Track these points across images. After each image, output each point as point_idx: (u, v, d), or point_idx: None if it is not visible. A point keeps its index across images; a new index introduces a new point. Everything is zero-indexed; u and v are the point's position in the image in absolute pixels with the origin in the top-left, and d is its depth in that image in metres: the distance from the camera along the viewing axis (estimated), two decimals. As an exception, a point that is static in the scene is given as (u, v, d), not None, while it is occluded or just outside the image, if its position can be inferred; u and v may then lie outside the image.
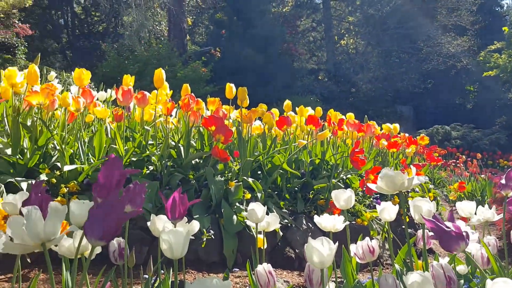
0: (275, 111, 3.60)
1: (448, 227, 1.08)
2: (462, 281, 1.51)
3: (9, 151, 2.24)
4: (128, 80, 2.93)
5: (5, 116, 2.57)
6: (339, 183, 2.93)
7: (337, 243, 1.10)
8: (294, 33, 19.10)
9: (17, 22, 9.39)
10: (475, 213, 1.71)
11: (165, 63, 12.15)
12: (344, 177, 3.12)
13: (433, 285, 1.00)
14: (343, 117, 4.08)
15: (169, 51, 13.56)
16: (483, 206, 1.69)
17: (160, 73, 2.75)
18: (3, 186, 1.98)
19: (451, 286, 1.08)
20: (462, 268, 1.61)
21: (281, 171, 2.80)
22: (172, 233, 1.08)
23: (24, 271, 1.82)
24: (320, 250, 1.07)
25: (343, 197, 1.57)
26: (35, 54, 3.26)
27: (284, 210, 2.60)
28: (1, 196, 1.89)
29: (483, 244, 1.53)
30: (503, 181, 1.55)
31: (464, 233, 1.08)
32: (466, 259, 1.65)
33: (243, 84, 3.22)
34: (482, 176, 7.04)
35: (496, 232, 3.65)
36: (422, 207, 1.35)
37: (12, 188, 1.99)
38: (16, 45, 9.11)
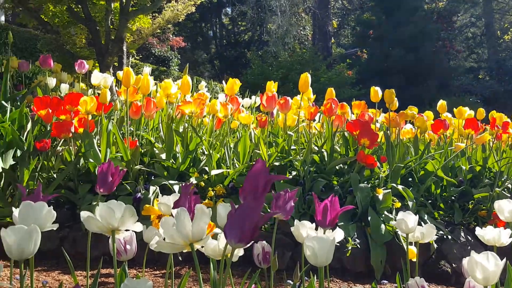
0: (428, 113, 3.40)
1: None
2: None
3: (163, 156, 2.48)
4: (272, 86, 3.03)
5: (160, 123, 2.85)
6: (504, 192, 2.65)
7: (504, 259, 1.01)
8: (450, 30, 17.91)
9: (171, 36, 10.38)
10: None
11: (309, 68, 12.29)
12: (510, 186, 2.81)
13: None
14: (509, 119, 3.67)
15: (312, 55, 13.71)
16: None
17: (306, 78, 2.79)
18: (158, 188, 2.20)
19: None
20: None
21: (435, 178, 2.63)
22: (317, 239, 1.07)
23: (176, 268, 1.99)
24: (485, 266, 0.99)
25: (508, 208, 1.42)
26: (186, 65, 3.56)
27: (439, 220, 2.44)
28: (157, 197, 2.10)
29: None
30: None
31: None
32: None
33: (390, 86, 3.09)
34: None
35: None
36: None
37: (166, 190, 2.19)
38: (170, 57, 10.07)
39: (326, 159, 2.63)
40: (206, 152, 2.48)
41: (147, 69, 3.87)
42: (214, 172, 2.35)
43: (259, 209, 0.84)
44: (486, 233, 1.37)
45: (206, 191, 2.26)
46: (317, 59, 13.53)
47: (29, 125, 2.48)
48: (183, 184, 2.17)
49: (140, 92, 2.72)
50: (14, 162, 2.20)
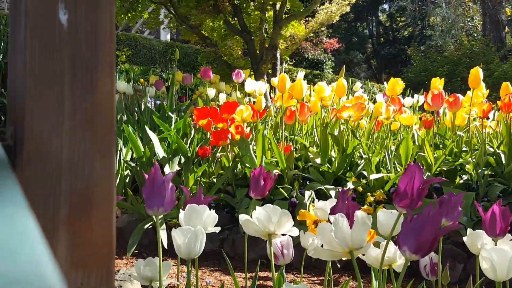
0: None
1: None
2: None
3: (318, 160, 2.48)
4: (437, 83, 2.84)
5: (314, 127, 2.87)
6: None
7: None
8: None
9: (324, 38, 10.44)
10: None
11: (479, 61, 11.32)
12: None
13: None
14: None
15: (483, 47, 12.61)
16: None
17: (477, 72, 2.57)
18: (313, 192, 2.20)
19: None
20: None
21: None
22: (495, 251, 0.98)
23: (335, 276, 1.97)
24: None
25: None
26: (340, 67, 3.54)
27: None
28: (312, 202, 2.10)
29: None
30: None
31: None
32: None
33: None
34: None
35: None
36: None
37: (322, 195, 2.19)
38: (324, 60, 10.14)
39: (503, 161, 2.37)
40: (364, 156, 2.41)
41: (301, 74, 3.94)
42: (373, 176, 2.28)
43: (440, 220, 0.79)
44: None
45: (365, 197, 2.20)
46: (489, 51, 12.40)
47: (192, 133, 2.71)
48: (340, 189, 2.15)
49: (294, 97, 2.77)
50: (179, 168, 2.41)
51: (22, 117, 0.50)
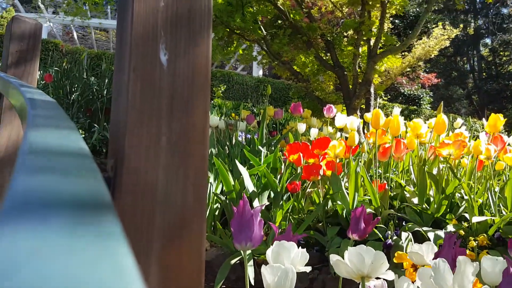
0: None
1: None
2: None
3: (415, 200, 2.37)
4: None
5: (410, 165, 2.75)
6: None
7: None
8: None
9: (422, 73, 10.15)
10: None
11: None
12: None
13: None
14: None
15: None
16: None
17: None
18: (410, 234, 2.09)
19: None
20: None
21: None
22: None
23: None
24: None
25: None
26: (439, 102, 3.39)
27: None
28: (409, 244, 2.00)
29: None
30: None
31: None
32: None
33: None
34: None
35: None
36: None
37: (419, 237, 2.07)
38: (421, 95, 9.82)
39: None
40: (465, 197, 2.26)
41: (397, 109, 3.82)
42: (476, 219, 2.12)
43: None
44: None
45: (467, 241, 2.05)
46: None
47: (282, 168, 2.71)
48: (438, 232, 2.03)
49: (389, 133, 2.69)
50: (269, 203, 2.42)
51: (122, 150, 0.53)
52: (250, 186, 2.46)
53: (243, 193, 2.33)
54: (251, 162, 2.79)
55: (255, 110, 7.28)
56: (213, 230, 2.40)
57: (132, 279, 0.15)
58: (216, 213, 2.50)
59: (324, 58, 6.94)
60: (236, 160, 2.70)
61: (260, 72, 13.78)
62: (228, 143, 3.39)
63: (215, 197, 2.49)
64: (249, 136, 3.78)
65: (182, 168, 0.55)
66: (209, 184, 2.54)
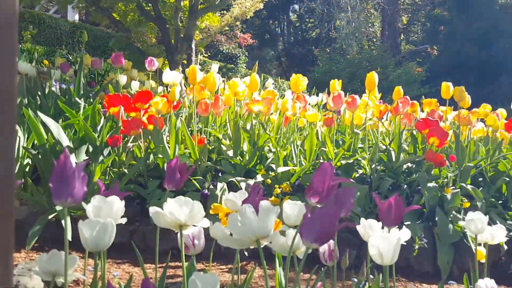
0: (501, 112, 3.25)
1: None
2: None
3: (230, 153, 2.51)
4: (336, 85, 3.00)
5: (227, 121, 2.89)
6: None
7: None
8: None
9: (239, 33, 10.51)
10: None
11: (377, 65, 12.03)
12: None
13: None
14: None
15: (381, 52, 13.42)
16: None
17: (372, 77, 2.77)
18: (225, 184, 2.23)
19: None
20: None
21: (507, 179, 2.51)
22: (382, 239, 1.07)
23: (242, 263, 2.02)
24: None
25: None
26: (254, 62, 3.59)
27: (510, 222, 2.33)
28: (224, 193, 2.13)
29: None
30: None
31: None
32: None
33: (462, 84, 3.00)
34: None
35: None
36: None
37: (234, 187, 2.22)
38: (238, 55, 10.21)
39: (393, 158, 2.57)
40: (273, 150, 2.48)
41: (215, 66, 3.93)
42: (281, 169, 2.35)
43: (338, 215, 0.86)
44: None
45: (273, 188, 2.26)
46: (386, 56, 13.23)
47: (101, 121, 2.60)
48: (250, 182, 2.20)
49: (207, 90, 2.77)
50: (87, 157, 2.31)
51: None
52: (65, 140, 2.28)
53: (65, 147, 2.17)
54: (67, 115, 2.59)
55: (70, 58, 6.72)
56: (24, 187, 2.21)
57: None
58: (27, 169, 2.29)
59: (146, 8, 6.70)
60: (49, 112, 2.49)
61: (76, 17, 12.67)
62: (40, 93, 3.09)
63: (26, 152, 2.28)
64: (64, 86, 3.49)
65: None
66: (18, 137, 2.30)
